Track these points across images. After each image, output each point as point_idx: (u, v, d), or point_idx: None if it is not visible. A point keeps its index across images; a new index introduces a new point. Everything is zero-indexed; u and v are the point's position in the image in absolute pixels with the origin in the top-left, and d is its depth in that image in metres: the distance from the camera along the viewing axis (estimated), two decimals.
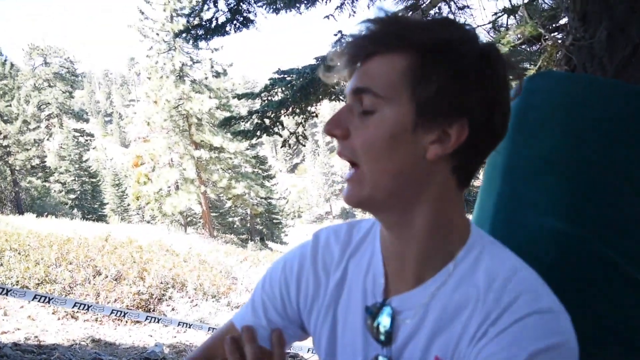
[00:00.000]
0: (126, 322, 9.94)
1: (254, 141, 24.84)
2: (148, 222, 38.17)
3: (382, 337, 0.79)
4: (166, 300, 10.87)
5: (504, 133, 0.76)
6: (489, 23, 4.32)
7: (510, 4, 3.97)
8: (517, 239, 0.99)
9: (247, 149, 32.91)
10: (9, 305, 9.66)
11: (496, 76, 0.73)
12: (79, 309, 6.96)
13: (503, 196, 1.07)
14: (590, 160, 1.00)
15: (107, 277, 10.80)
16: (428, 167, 0.73)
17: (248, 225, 37.65)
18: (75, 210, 41.60)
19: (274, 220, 39.44)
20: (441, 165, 0.73)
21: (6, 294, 4.55)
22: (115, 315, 7.19)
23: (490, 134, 0.74)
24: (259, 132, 6.47)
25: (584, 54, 1.69)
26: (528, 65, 4.41)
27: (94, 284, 10.38)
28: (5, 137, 38.25)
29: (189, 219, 34.76)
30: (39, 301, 5.16)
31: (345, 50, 0.74)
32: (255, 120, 6.46)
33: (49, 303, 4.21)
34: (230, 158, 32.30)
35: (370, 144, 0.73)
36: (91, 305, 4.57)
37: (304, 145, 6.85)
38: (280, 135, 6.78)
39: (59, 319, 9.53)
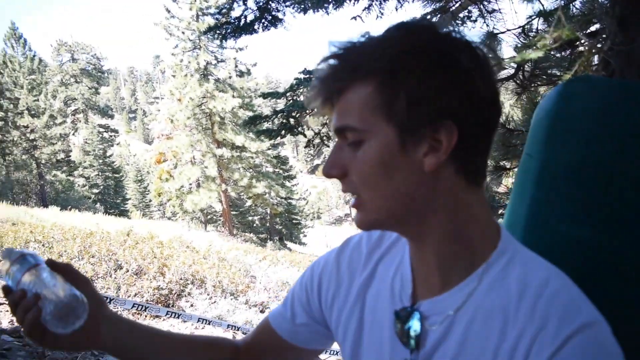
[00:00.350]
0: (145, 316, 10.05)
1: (276, 141, 24.85)
2: (169, 218, 38.52)
3: (412, 342, 0.78)
4: (185, 296, 10.96)
5: (495, 124, 0.75)
6: (519, 27, 4.28)
7: (543, 8, 3.92)
8: (548, 246, 0.97)
9: (269, 149, 33.02)
10: None
11: (467, 69, 0.70)
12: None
13: (535, 202, 1.04)
14: (625, 169, 0.97)
15: (128, 271, 10.92)
16: (430, 179, 0.72)
17: (267, 224, 37.68)
18: (98, 205, 42.22)
19: (294, 221, 39.44)
20: (443, 172, 0.72)
21: None
22: (136, 309, 7.27)
23: (481, 128, 0.73)
24: (283, 131, 6.48)
25: (623, 59, 1.66)
26: (557, 72, 4.35)
27: (115, 278, 10.51)
28: (32, 131, 38.94)
29: (209, 217, 35.01)
30: None
31: (316, 93, 0.75)
32: (280, 120, 6.48)
33: None
34: (252, 157, 32.46)
35: (365, 175, 0.73)
36: (113, 299, 4.63)
37: (328, 146, 6.85)
38: (305, 136, 6.79)
39: None
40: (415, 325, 0.78)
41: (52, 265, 0.89)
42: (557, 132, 1.05)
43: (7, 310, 8.66)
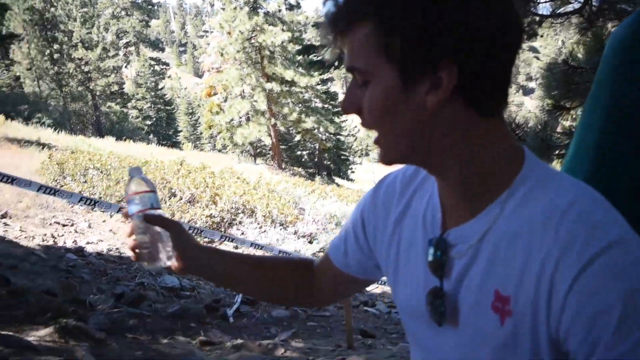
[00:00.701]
0: (199, 241, 10.44)
1: (326, 76, 24.71)
2: (219, 150, 39.26)
3: (441, 270, 0.80)
4: (236, 224, 11.29)
5: (509, 50, 0.71)
6: None
7: None
8: (614, 176, 0.95)
9: (318, 84, 32.77)
10: (92, 219, 10.34)
11: (465, 2, 0.67)
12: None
13: (604, 133, 1.01)
14: None
15: (181, 199, 11.31)
16: (436, 116, 0.72)
17: (316, 159, 37.78)
18: (151, 136, 43.29)
19: (342, 157, 39.38)
20: (450, 108, 0.71)
21: (93, 205, 4.86)
22: (193, 233, 7.57)
23: (487, 61, 0.70)
24: (336, 62, 6.38)
25: None
26: (628, 8, 4.07)
27: (170, 205, 10.89)
28: (86, 64, 39.82)
29: (258, 150, 35.46)
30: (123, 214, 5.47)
31: (325, 33, 0.76)
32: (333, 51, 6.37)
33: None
34: (301, 92, 32.36)
35: (373, 114, 0.74)
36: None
37: None
38: None
39: None
40: (443, 253, 0.80)
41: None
42: (631, 61, 1.00)
43: (70, 232, 9.15)
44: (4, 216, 8.61)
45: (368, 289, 9.38)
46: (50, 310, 4.82)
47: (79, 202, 4.24)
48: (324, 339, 6.29)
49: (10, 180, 3.49)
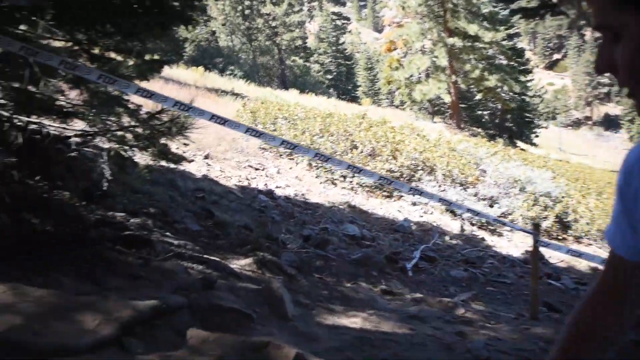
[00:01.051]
0: (377, 196, 10.61)
1: (512, 30, 23.25)
2: (397, 107, 39.15)
3: None
4: (415, 181, 11.23)
5: None
6: None
7: None
8: None
9: (504, 40, 30.74)
10: (281, 165, 11.01)
11: None
12: (351, 171, 7.72)
13: None
14: None
15: (362, 151, 11.50)
16: None
17: (497, 120, 35.81)
18: (331, 90, 44.59)
19: (526, 119, 36.86)
20: None
21: (293, 148, 5.13)
22: (382, 182, 7.72)
23: None
24: (542, 10, 5.84)
25: None
26: None
27: (351, 157, 11.16)
28: (273, 19, 41.88)
29: (436, 108, 34.64)
30: (318, 159, 5.72)
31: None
32: None
33: (326, 162, 4.62)
34: (485, 48, 30.62)
35: (629, 69, 0.70)
36: (361, 170, 4.86)
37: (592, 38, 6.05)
38: (567, 16, 6.03)
39: (320, 183, 10.59)
40: None
41: None
42: None
43: (262, 176, 9.82)
44: (206, 157, 9.52)
45: (552, 261, 8.79)
46: (248, 243, 5.24)
47: (280, 144, 4.50)
48: (505, 305, 6.05)
49: (223, 121, 3.80)
